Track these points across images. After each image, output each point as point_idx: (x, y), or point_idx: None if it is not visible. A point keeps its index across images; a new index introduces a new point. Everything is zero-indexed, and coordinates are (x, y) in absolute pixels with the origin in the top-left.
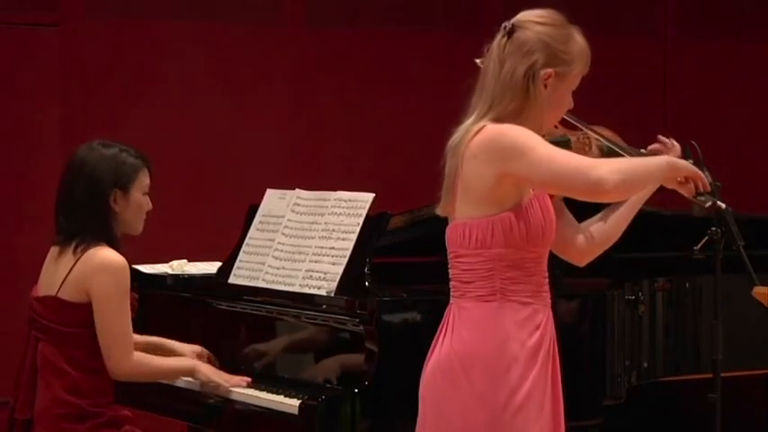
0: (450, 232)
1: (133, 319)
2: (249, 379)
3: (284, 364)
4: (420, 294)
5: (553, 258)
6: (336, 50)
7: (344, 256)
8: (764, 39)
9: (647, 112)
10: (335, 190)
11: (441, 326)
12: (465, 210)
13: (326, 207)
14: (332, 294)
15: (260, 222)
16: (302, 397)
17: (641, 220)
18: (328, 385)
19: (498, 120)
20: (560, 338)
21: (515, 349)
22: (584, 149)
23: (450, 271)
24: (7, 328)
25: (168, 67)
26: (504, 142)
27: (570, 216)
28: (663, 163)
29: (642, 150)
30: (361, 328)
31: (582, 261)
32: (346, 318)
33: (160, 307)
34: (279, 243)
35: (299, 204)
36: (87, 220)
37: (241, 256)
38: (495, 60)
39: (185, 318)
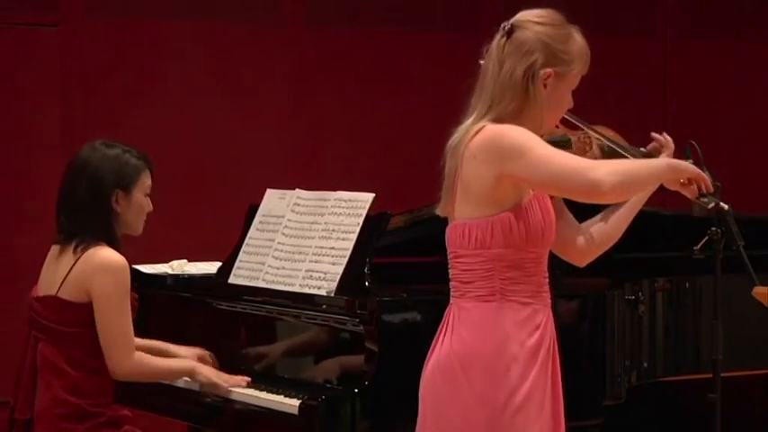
0: (449, 232)
1: (133, 320)
2: (249, 379)
3: (284, 364)
4: (420, 294)
5: (553, 258)
6: (336, 50)
7: (344, 256)
8: (764, 39)
9: (647, 112)
10: (335, 190)
11: (441, 326)
12: (464, 210)
13: (326, 207)
14: (332, 294)
15: (260, 222)
16: (302, 397)
17: (641, 221)
18: (328, 385)
19: (498, 120)
20: (560, 338)
21: (515, 349)
22: (584, 149)
23: (450, 271)
24: (7, 328)
25: (168, 67)
26: (503, 143)
27: (571, 216)
28: (663, 165)
29: (643, 149)
30: (361, 328)
31: (582, 261)
32: (346, 318)
33: (160, 307)
34: (279, 243)
35: (299, 204)
36: (88, 220)
37: (241, 256)
38: (494, 60)
39: (185, 318)
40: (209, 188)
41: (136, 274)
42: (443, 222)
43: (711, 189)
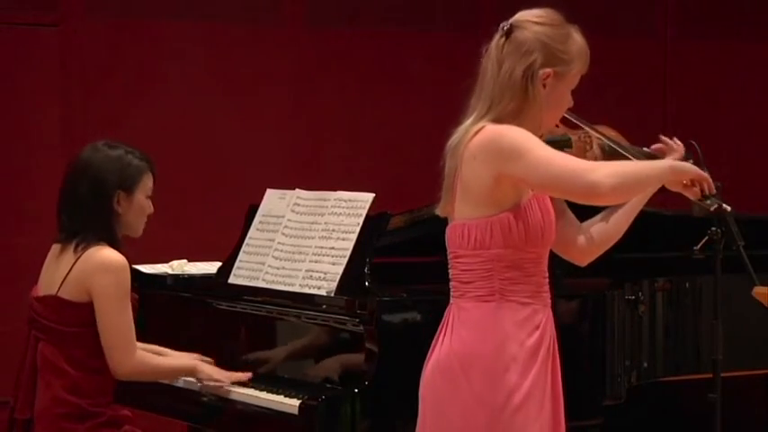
0: (449, 232)
1: (134, 320)
2: (250, 374)
3: (284, 364)
4: (420, 294)
5: (553, 258)
6: (336, 50)
7: (344, 256)
8: (764, 39)
9: (647, 112)
10: (335, 190)
11: (440, 326)
12: (464, 210)
13: (326, 207)
14: (332, 294)
15: (260, 222)
16: (302, 397)
17: (641, 221)
18: (328, 385)
19: (497, 120)
20: (560, 338)
21: (514, 349)
22: (584, 149)
23: (450, 271)
24: (7, 328)
25: (168, 67)
26: (502, 143)
27: (572, 216)
28: (664, 167)
29: (646, 149)
30: (361, 328)
31: (583, 261)
32: (346, 318)
33: (160, 307)
34: (279, 243)
35: (299, 204)
36: (89, 220)
37: (241, 256)
38: (493, 61)
39: (185, 318)
40: (209, 188)
41: (136, 274)
42: (443, 222)
43: (714, 190)
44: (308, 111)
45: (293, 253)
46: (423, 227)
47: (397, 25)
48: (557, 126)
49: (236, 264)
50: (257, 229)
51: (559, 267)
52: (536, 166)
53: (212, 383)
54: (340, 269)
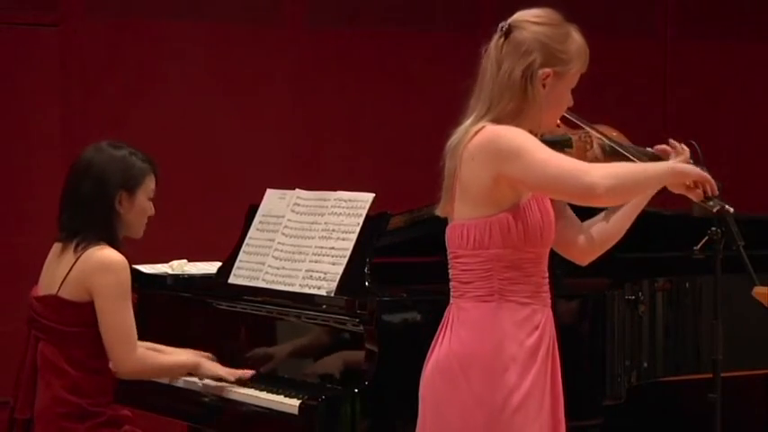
0: (449, 233)
1: None
2: (253, 372)
3: (284, 364)
4: (420, 294)
5: (554, 258)
6: (336, 50)
7: (344, 256)
8: (764, 39)
9: (647, 112)
10: (335, 190)
11: (440, 326)
12: (463, 210)
13: (326, 207)
14: (332, 294)
15: (260, 222)
16: (302, 397)
17: (642, 220)
18: (328, 385)
19: (497, 120)
20: (560, 338)
21: (513, 349)
22: (585, 148)
23: (450, 271)
24: (7, 328)
25: (168, 67)
26: (500, 144)
27: (572, 216)
28: (665, 169)
29: (648, 150)
30: (361, 328)
31: (584, 260)
32: (346, 318)
33: (160, 307)
34: (279, 243)
35: (299, 204)
36: (91, 219)
37: (241, 256)
38: (492, 61)
39: (185, 318)
40: (209, 188)
41: (136, 274)
42: (443, 222)
43: (717, 192)
44: (308, 111)
45: (293, 253)
46: (423, 227)
47: (397, 25)
48: (557, 126)
49: (236, 264)
50: (257, 229)
51: (559, 267)
52: (533, 167)
53: (215, 381)
54: (340, 269)
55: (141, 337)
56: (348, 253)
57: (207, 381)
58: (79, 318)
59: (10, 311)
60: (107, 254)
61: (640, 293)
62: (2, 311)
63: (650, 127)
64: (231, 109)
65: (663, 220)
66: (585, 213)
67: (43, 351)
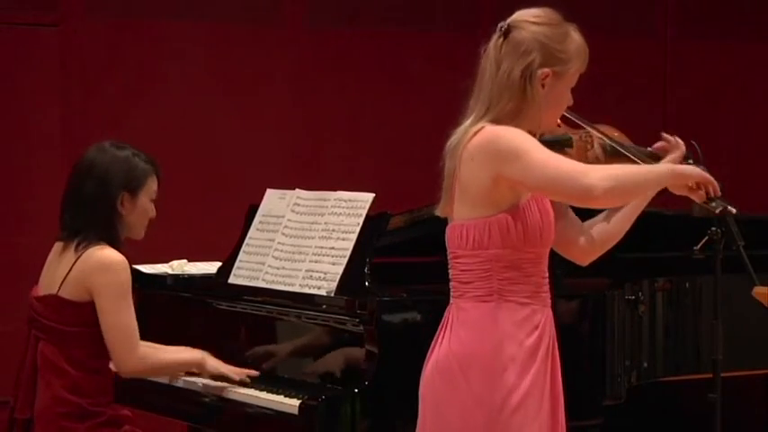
0: (448, 233)
1: None
2: (256, 372)
3: (284, 364)
4: (420, 294)
5: (554, 258)
6: (336, 50)
7: (344, 256)
8: (764, 39)
9: (647, 112)
10: (335, 190)
11: (440, 326)
12: (462, 211)
13: (326, 207)
14: (332, 294)
15: (260, 222)
16: (302, 397)
17: (642, 220)
18: (328, 385)
19: (496, 120)
20: (560, 338)
21: (513, 349)
22: (585, 148)
23: (449, 271)
24: (7, 327)
25: (168, 67)
26: (499, 145)
27: (573, 216)
28: (665, 171)
29: (649, 149)
30: (361, 328)
31: (585, 260)
32: (346, 318)
33: (160, 307)
34: (279, 243)
35: (299, 204)
36: (92, 219)
37: (241, 256)
38: (491, 61)
39: (185, 318)
40: (209, 188)
41: (136, 274)
42: (443, 222)
43: (719, 192)
44: (308, 111)
45: (293, 253)
46: (423, 227)
47: (397, 25)
48: (558, 125)
49: (236, 264)
50: (257, 229)
51: (559, 267)
52: (532, 168)
53: (215, 381)
54: (340, 269)
55: (141, 338)
56: (348, 253)
57: (207, 381)
58: (79, 317)
59: (10, 311)
60: (107, 254)
61: (640, 293)
62: (2, 311)
63: (650, 127)
64: (231, 109)
65: (663, 220)
66: (586, 214)
67: (43, 351)
